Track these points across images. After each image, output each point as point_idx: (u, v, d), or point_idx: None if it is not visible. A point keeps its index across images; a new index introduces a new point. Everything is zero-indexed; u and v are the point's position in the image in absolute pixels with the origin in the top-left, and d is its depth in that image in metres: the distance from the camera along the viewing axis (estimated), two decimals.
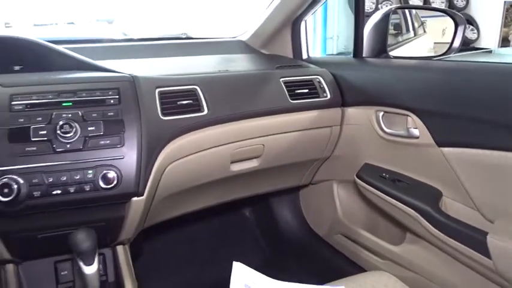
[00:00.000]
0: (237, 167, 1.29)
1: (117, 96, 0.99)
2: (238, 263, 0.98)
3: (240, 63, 1.47)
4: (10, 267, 1.04)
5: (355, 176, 1.35)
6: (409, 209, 1.16)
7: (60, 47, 1.11)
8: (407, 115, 1.19)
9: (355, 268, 1.50)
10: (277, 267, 1.68)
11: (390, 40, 1.47)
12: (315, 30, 3.95)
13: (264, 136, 1.27)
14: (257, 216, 1.91)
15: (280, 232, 1.81)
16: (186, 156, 1.12)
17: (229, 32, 1.73)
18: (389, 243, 1.35)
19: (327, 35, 4.50)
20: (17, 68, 1.11)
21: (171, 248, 1.72)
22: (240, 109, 1.20)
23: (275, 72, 1.34)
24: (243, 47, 1.63)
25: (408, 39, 1.99)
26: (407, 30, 2.03)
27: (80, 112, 0.95)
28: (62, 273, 1.09)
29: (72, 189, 0.92)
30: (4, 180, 0.87)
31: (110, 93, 0.99)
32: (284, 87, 1.29)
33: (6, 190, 0.87)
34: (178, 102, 1.11)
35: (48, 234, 0.98)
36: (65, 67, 1.08)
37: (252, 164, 1.32)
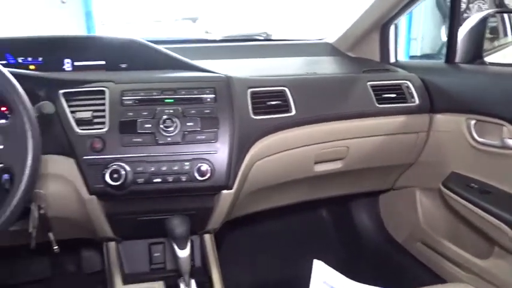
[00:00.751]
0: (320, 168, 1.32)
1: (213, 95, 1.08)
2: (319, 261, 1.02)
3: (327, 66, 1.50)
4: (112, 244, 1.17)
5: (440, 185, 1.33)
6: (499, 222, 1.13)
7: (163, 48, 1.22)
8: (503, 125, 1.15)
9: (434, 278, 1.47)
10: (352, 271, 1.68)
11: (485, 45, 1.42)
12: (399, 30, 3.85)
13: (349, 139, 1.29)
14: (334, 218, 1.93)
15: (357, 235, 1.82)
16: (273, 154, 1.18)
17: (307, 32, 1.75)
18: (474, 256, 1.32)
19: (411, 36, 4.36)
20: (123, 65, 1.23)
21: (251, 240, 1.79)
22: (327, 111, 1.24)
23: (362, 76, 1.36)
24: (329, 49, 1.66)
25: (506, 44, 1.90)
26: (505, 34, 1.94)
27: (180, 108, 1.04)
28: (155, 254, 1.20)
29: (170, 179, 1.02)
30: (114, 166, 0.99)
31: (207, 91, 1.08)
32: (371, 91, 1.31)
33: (115, 175, 0.98)
34: (267, 103, 1.17)
35: (146, 218, 1.09)
36: (167, 66, 1.19)
37: (336, 165, 1.35)
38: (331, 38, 1.69)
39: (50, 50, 1.23)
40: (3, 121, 0.82)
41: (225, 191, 1.07)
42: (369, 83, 1.32)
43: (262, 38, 1.72)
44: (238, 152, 1.06)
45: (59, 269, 1.58)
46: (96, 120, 1.02)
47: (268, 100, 1.18)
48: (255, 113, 1.14)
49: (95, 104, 1.04)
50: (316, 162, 1.30)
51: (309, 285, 0.97)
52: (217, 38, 1.65)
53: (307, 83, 1.27)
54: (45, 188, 1.00)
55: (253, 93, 1.16)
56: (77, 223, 1.10)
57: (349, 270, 1.69)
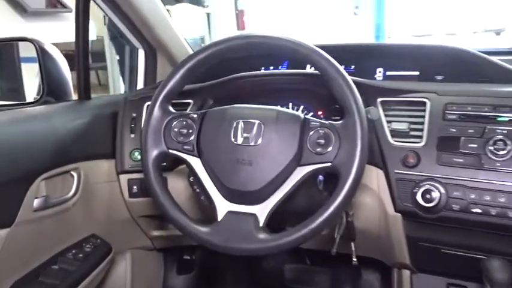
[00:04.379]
0: None
1: None
2: None
3: None
4: (406, 273, 1.13)
5: None
6: None
7: (496, 59, 1.11)
8: None
9: None
10: None
11: None
12: None
13: None
14: None
15: None
16: None
17: None
18: None
19: None
20: (439, 77, 1.18)
21: None
22: None
23: None
24: None
25: None
26: None
27: None
28: None
29: (493, 212, 0.90)
30: (427, 186, 0.94)
31: None
32: None
33: (427, 196, 0.93)
34: None
35: (453, 252, 1.00)
36: (500, 80, 1.08)
37: None
38: None
39: (362, 58, 1.28)
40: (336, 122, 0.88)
41: None
42: None
43: None
44: None
45: (335, 282, 1.63)
46: (412, 133, 1.00)
47: None
48: None
49: (413, 116, 1.02)
50: None
51: None
52: None
53: None
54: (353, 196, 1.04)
55: None
56: (374, 240, 1.10)
57: None
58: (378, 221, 1.05)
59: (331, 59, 0.88)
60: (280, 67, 1.34)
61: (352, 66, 1.28)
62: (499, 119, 0.95)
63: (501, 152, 0.91)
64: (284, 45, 0.90)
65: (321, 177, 0.99)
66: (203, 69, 0.97)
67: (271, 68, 1.34)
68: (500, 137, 0.92)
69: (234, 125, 0.90)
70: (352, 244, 1.07)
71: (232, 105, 0.96)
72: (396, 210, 1.00)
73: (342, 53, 1.28)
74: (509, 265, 0.90)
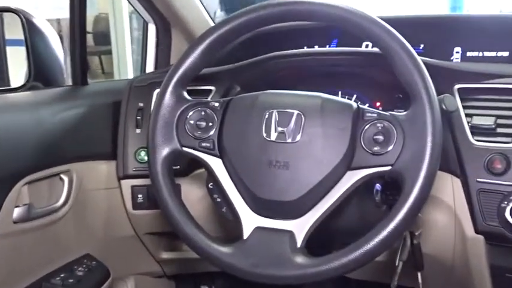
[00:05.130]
0: None
1: None
2: None
3: None
4: None
5: None
6: None
7: None
8: None
9: None
10: None
11: None
12: None
13: None
14: None
15: None
16: None
17: None
18: None
19: None
20: None
21: None
22: None
23: None
24: None
25: None
26: None
27: None
28: None
29: None
30: None
31: None
32: None
33: None
34: None
35: None
36: None
37: None
38: None
39: (435, 34, 1.25)
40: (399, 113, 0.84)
41: None
42: None
43: None
44: None
45: None
46: (500, 130, 0.98)
47: None
48: None
49: (501, 108, 0.99)
50: None
51: None
52: None
53: None
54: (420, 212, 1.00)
55: None
56: (447, 270, 1.07)
57: None
58: (453, 245, 1.03)
59: (395, 32, 0.85)
60: (327, 46, 1.32)
61: (422, 45, 1.26)
62: None
63: None
64: (334, 14, 0.87)
65: (378, 185, 0.96)
66: (228, 46, 0.96)
67: (316, 47, 1.32)
68: None
69: (267, 116, 0.88)
70: (419, 275, 1.04)
71: (264, 91, 0.94)
72: (477, 232, 0.97)
73: (407, 28, 1.24)
74: None
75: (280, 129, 0.86)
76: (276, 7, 0.90)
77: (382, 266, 1.02)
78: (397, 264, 0.98)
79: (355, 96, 1.15)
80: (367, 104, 1.14)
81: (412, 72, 0.83)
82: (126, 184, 1.21)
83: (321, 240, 0.88)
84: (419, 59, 0.84)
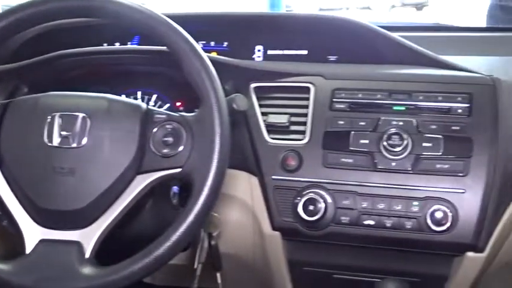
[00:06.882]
0: None
1: (467, 105, 0.95)
2: None
3: None
4: None
5: None
6: None
7: (396, 36, 1.14)
8: None
9: None
10: None
11: None
12: None
13: None
14: None
15: None
16: None
17: None
18: None
19: None
20: (332, 58, 1.19)
21: None
22: None
23: None
24: None
25: None
26: None
27: (414, 121, 0.95)
28: None
29: (389, 223, 0.92)
30: (311, 194, 0.93)
31: (459, 99, 0.96)
32: None
33: (311, 207, 0.93)
34: None
35: (345, 277, 1.01)
36: (398, 60, 1.10)
37: None
38: None
39: (238, 32, 1.26)
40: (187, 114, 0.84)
41: (471, 254, 0.93)
42: None
43: None
44: (498, 197, 0.92)
45: None
46: (293, 127, 1.00)
47: None
48: None
49: (294, 106, 1.01)
50: None
51: None
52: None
53: None
54: (218, 212, 1.00)
55: None
56: (247, 268, 1.08)
57: None
58: (252, 243, 1.03)
59: (181, 29, 0.84)
60: (129, 43, 1.27)
61: (225, 43, 1.25)
62: (395, 108, 0.97)
63: (397, 149, 0.93)
64: (112, 10, 0.84)
65: (175, 188, 0.95)
66: (9, 41, 0.88)
67: (117, 44, 1.26)
68: (395, 130, 0.93)
69: (49, 120, 0.83)
70: (218, 276, 1.05)
71: (46, 93, 0.88)
72: (274, 228, 0.98)
73: (211, 25, 1.25)
74: (406, 286, 0.93)
75: (64, 133, 0.82)
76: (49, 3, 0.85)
77: (184, 270, 1.01)
78: (195, 266, 0.98)
79: (155, 96, 1.13)
80: (168, 104, 1.12)
81: (199, 71, 0.82)
82: None
83: (116, 249, 0.84)
84: (207, 58, 0.84)
